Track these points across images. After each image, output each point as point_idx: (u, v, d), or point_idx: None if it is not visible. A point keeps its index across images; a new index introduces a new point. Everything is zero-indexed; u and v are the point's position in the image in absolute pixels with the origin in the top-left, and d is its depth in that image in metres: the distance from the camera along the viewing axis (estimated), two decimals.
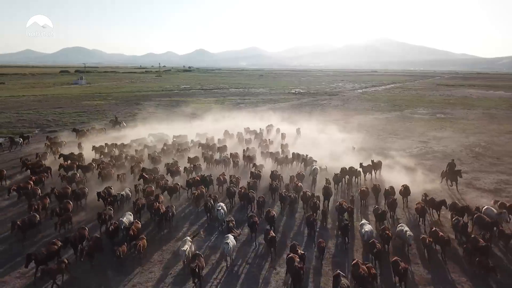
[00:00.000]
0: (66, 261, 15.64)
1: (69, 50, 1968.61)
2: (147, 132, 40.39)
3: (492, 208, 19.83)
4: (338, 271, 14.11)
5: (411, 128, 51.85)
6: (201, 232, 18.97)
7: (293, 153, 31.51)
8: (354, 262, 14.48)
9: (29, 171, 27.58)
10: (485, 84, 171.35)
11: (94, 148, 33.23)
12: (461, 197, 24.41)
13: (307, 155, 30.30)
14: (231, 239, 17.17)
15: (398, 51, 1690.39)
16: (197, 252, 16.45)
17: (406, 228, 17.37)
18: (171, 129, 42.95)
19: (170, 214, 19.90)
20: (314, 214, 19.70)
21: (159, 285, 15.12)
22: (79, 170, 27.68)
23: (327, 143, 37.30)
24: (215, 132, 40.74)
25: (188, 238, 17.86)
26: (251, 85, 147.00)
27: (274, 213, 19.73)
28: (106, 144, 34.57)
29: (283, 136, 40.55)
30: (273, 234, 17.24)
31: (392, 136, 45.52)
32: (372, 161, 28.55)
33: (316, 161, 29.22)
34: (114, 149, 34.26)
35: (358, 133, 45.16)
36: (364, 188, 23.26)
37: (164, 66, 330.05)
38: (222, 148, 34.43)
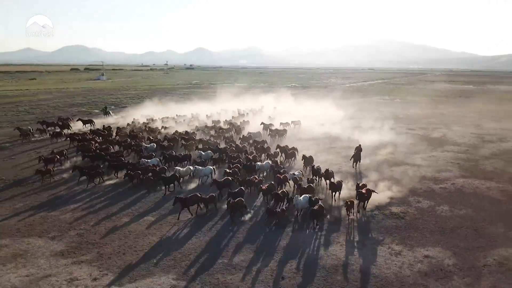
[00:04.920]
0: (101, 171, 25.18)
1: (69, 49, 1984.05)
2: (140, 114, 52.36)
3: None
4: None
5: (367, 106, 71.92)
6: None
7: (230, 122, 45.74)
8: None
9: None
10: (464, 80, 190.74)
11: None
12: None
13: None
14: (205, 168, 22.52)
15: (398, 50, 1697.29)
16: (180, 172, 22.28)
17: None
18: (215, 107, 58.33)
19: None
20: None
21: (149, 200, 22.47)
22: None
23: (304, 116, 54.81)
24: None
25: (190, 167, 23.03)
26: (253, 81, 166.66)
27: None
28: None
29: (253, 112, 55.35)
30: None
31: (350, 110, 64.98)
32: (287, 122, 44.26)
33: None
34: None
35: (328, 109, 63.70)
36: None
37: (166, 64, 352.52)
38: (216, 122, 46.33)
